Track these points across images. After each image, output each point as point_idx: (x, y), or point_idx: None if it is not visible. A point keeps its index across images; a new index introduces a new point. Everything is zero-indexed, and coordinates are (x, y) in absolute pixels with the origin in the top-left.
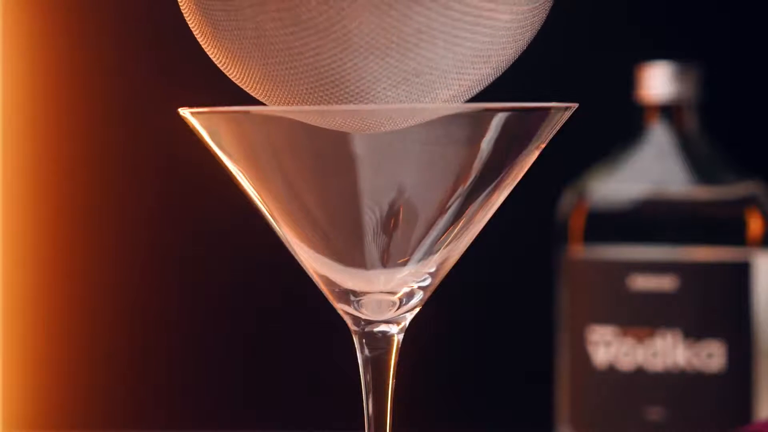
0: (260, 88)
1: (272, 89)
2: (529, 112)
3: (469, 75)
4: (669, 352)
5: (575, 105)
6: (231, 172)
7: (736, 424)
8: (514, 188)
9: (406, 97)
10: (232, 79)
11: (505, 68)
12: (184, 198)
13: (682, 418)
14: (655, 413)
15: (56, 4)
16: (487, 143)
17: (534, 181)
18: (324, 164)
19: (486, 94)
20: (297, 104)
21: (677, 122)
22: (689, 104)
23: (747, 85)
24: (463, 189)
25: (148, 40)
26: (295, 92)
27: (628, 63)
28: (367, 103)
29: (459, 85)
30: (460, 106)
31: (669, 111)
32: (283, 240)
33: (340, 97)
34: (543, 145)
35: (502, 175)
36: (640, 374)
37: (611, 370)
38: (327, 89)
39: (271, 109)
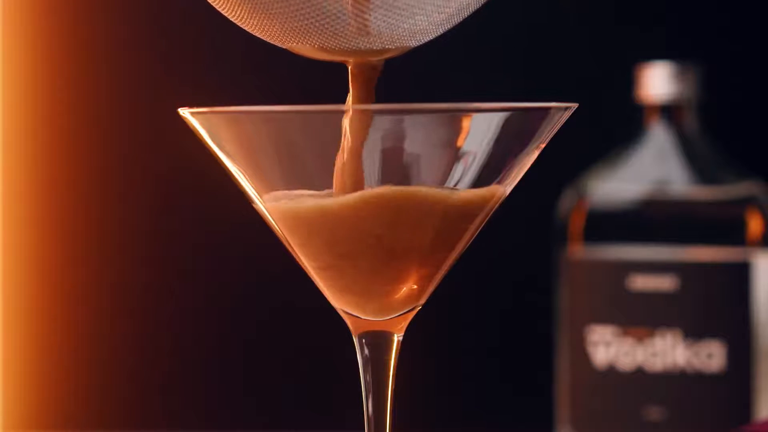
0: (238, 8)
1: (249, 10)
2: (529, 112)
3: (450, 2)
4: (669, 352)
5: (575, 105)
6: (231, 172)
7: (736, 424)
8: (514, 188)
9: (383, 22)
10: (213, 4)
11: (486, 1)
12: (183, 198)
13: (682, 418)
14: (655, 413)
15: (56, 4)
16: (487, 143)
17: (534, 181)
18: (324, 164)
19: (486, 94)
20: (274, 26)
21: (677, 122)
22: (689, 104)
23: (747, 85)
24: (463, 189)
25: (148, 40)
26: (271, 13)
27: (628, 63)
28: (342, 24)
29: (439, 13)
30: (460, 106)
31: (669, 111)
32: (282, 240)
33: (317, 18)
34: (543, 145)
35: (502, 175)
36: (640, 374)
37: (611, 370)
38: (303, 9)
39: (271, 108)
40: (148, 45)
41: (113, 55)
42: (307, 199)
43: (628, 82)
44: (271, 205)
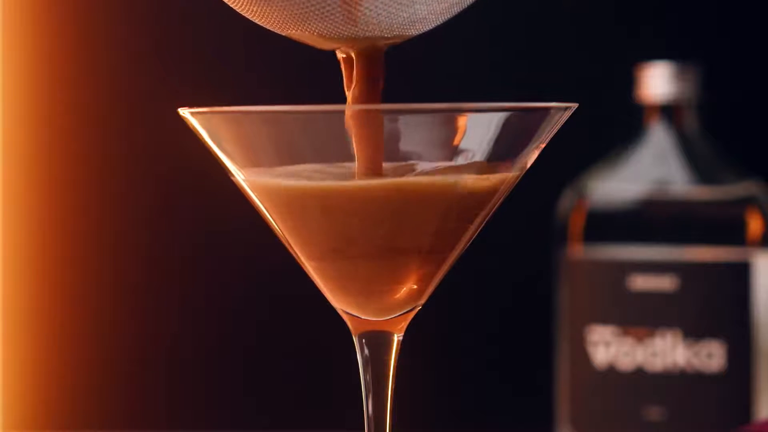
0: None
1: None
2: (529, 112)
3: None
4: (669, 352)
5: (575, 105)
6: (231, 172)
7: (736, 424)
8: (514, 188)
9: (383, 8)
10: None
11: None
12: (183, 198)
13: (682, 418)
14: (655, 413)
15: (56, 4)
16: (487, 143)
17: (534, 181)
18: (324, 164)
19: (486, 94)
20: (273, 12)
21: (677, 122)
22: (689, 104)
23: (747, 85)
24: (463, 189)
25: (148, 40)
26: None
27: (628, 63)
28: (341, 11)
29: (438, 3)
30: (460, 106)
31: (669, 111)
32: (283, 240)
33: (317, 4)
34: (543, 145)
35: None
36: (639, 374)
37: (611, 370)
38: None
39: (271, 108)
40: (148, 45)
41: (113, 55)
42: (306, 176)
43: (628, 82)
44: (258, 180)
